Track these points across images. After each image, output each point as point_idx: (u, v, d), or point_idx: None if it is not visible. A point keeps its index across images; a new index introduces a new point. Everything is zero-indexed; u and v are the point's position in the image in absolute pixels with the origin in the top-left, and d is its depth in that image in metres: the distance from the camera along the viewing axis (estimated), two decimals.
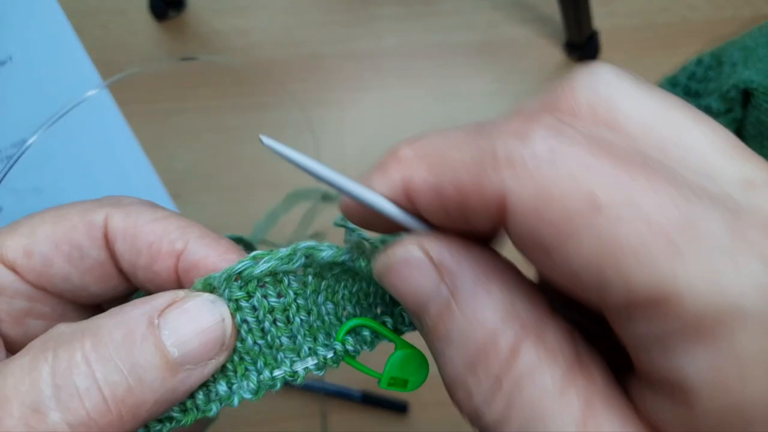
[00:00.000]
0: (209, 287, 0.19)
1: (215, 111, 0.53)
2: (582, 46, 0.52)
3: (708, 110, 0.48)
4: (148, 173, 0.54)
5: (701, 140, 0.15)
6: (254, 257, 0.19)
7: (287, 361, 0.20)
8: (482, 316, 0.15)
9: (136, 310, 0.18)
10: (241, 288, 0.19)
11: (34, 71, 0.53)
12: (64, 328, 0.18)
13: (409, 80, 0.54)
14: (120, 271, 0.22)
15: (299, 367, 0.20)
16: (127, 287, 0.22)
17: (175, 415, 0.20)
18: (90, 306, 0.23)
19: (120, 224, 0.21)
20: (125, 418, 0.17)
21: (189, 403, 0.20)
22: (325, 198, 0.49)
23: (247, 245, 0.26)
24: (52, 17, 0.53)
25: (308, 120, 0.54)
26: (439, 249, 0.16)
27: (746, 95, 0.47)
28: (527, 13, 0.55)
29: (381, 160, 0.17)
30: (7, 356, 0.21)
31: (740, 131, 0.49)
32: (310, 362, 0.20)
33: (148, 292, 0.21)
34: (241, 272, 0.19)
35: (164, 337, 0.18)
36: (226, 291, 0.19)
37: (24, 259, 0.20)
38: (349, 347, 0.20)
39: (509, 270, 0.16)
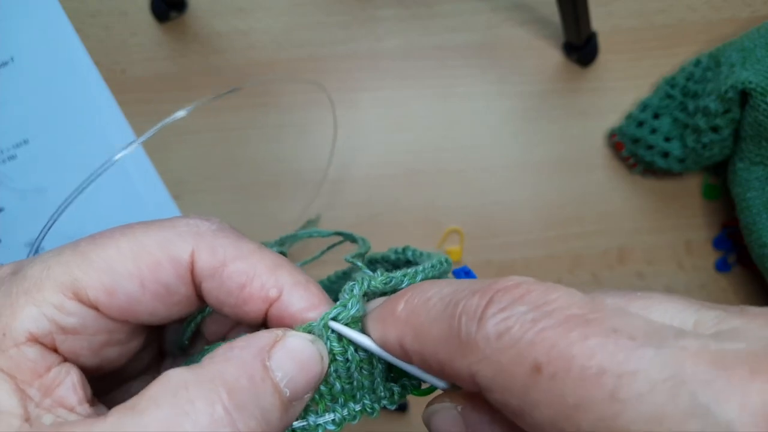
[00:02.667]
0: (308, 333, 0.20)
1: (216, 111, 0.54)
2: (581, 47, 0.53)
3: (706, 111, 0.49)
4: (150, 173, 0.54)
5: (671, 302, 0.17)
6: (344, 304, 0.20)
7: (367, 398, 0.21)
8: None
9: (248, 353, 0.19)
10: (339, 340, 0.20)
11: (36, 72, 0.53)
12: (185, 376, 0.18)
13: (408, 81, 0.55)
14: (200, 298, 0.22)
15: (376, 404, 0.22)
16: (201, 307, 0.22)
17: None
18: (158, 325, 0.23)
19: (207, 263, 0.20)
20: None
21: None
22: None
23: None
24: (53, 18, 0.54)
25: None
26: (463, 402, 0.19)
27: (744, 96, 0.47)
28: (526, 14, 0.55)
29: (384, 309, 0.20)
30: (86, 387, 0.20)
31: (738, 132, 0.49)
32: (385, 400, 0.22)
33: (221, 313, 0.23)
34: (335, 317, 0.20)
35: (278, 378, 0.19)
36: (328, 343, 0.20)
37: (107, 297, 0.20)
38: (414, 382, 0.22)
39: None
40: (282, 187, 0.53)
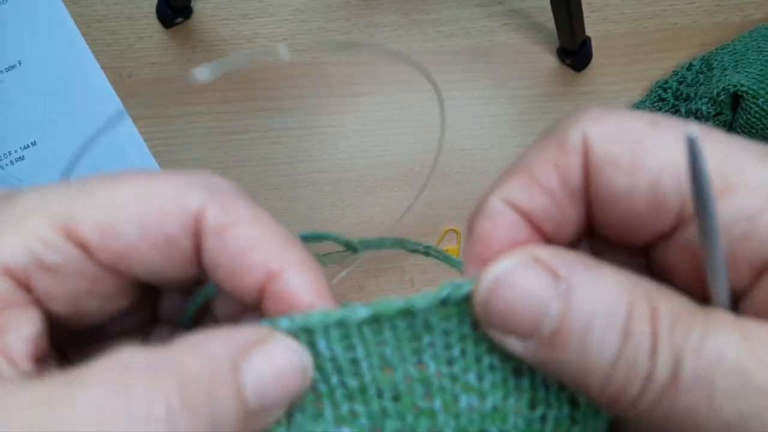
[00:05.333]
0: (299, 330, 0.18)
1: (222, 114, 0.55)
2: (575, 52, 0.54)
3: (698, 114, 0.50)
4: (152, 166, 0.55)
5: None
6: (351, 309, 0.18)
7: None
8: (609, 292, 0.15)
9: (221, 349, 0.16)
10: (341, 340, 0.18)
11: (43, 75, 0.54)
12: (138, 357, 0.15)
13: (407, 85, 0.56)
14: (198, 263, 0.19)
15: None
16: (200, 273, 0.20)
17: None
18: (147, 284, 0.20)
19: (216, 219, 0.18)
20: None
21: None
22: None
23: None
24: (60, 23, 0.55)
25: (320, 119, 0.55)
26: (544, 251, 0.16)
27: (736, 99, 0.48)
28: (522, 20, 0.56)
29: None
30: (42, 333, 0.18)
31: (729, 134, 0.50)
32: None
33: (218, 288, 0.20)
34: (342, 321, 0.17)
35: (246, 384, 0.16)
36: (323, 341, 0.18)
37: (100, 238, 0.17)
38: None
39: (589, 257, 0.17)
40: (287, 189, 0.54)
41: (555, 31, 0.53)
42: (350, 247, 0.24)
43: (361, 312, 0.17)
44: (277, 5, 0.56)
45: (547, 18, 0.55)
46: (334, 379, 0.18)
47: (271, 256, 0.18)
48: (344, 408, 0.18)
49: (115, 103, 0.54)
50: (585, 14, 0.51)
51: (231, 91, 0.55)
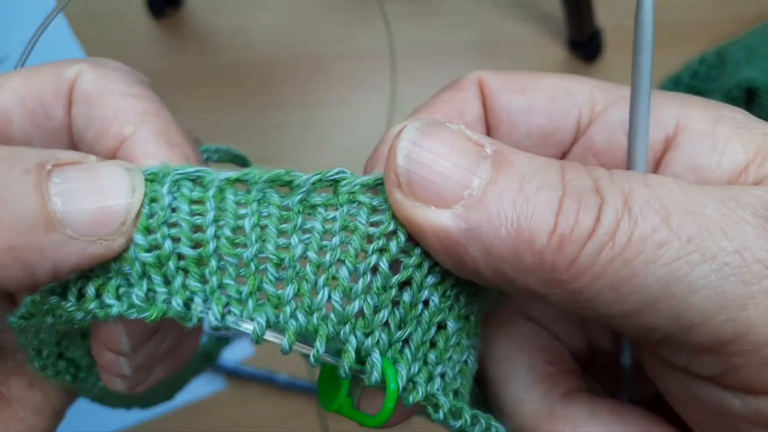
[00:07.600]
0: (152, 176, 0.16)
1: (215, 110, 0.54)
2: (584, 44, 0.53)
3: None
4: None
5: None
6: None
7: (222, 299, 0.15)
8: (537, 157, 0.15)
9: (30, 150, 0.15)
10: (191, 201, 0.15)
11: None
12: None
13: (408, 79, 0.55)
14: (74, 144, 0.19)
15: (233, 320, 0.15)
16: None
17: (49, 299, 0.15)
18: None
19: (87, 85, 0.18)
20: None
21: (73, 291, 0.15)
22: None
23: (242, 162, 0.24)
24: (49, 15, 0.53)
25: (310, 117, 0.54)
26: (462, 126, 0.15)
27: (749, 94, 0.48)
28: (529, 11, 0.56)
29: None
30: None
31: None
32: (247, 326, 0.15)
33: None
34: (200, 177, 0.15)
35: (52, 183, 0.14)
36: (169, 197, 0.15)
37: None
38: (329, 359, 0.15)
39: None
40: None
41: (564, 22, 0.52)
42: (242, 161, 0.24)
43: (227, 173, 0.15)
44: None
45: (556, 8, 0.54)
46: (168, 246, 0.15)
47: (127, 123, 0.17)
48: (177, 282, 0.15)
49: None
50: (596, 6, 0.50)
51: (225, 86, 0.54)
